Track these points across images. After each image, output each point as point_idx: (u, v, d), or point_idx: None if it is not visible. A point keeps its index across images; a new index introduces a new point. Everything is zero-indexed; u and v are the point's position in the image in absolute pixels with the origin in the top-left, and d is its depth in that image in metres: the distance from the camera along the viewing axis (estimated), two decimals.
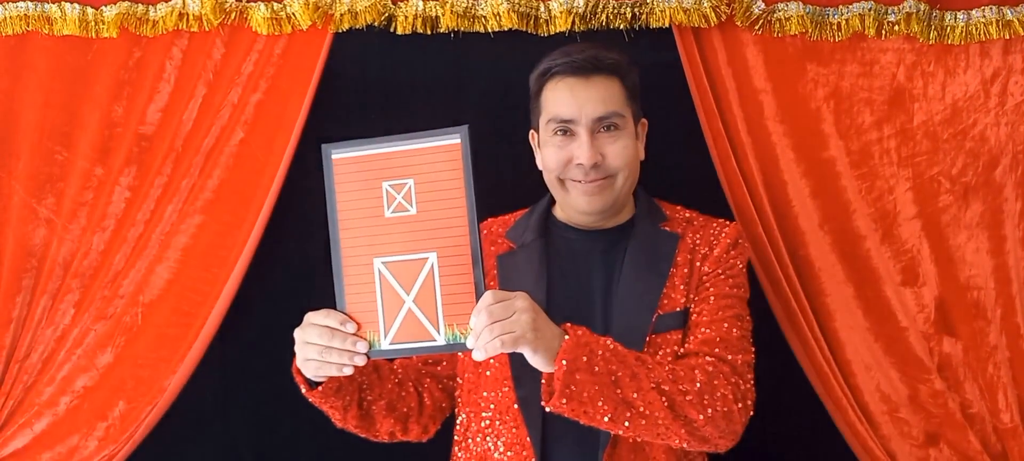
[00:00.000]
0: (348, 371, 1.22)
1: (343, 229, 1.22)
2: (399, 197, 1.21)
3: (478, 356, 1.17)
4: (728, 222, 1.49)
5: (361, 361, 1.21)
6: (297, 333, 1.24)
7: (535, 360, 1.21)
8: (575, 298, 1.41)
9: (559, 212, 1.49)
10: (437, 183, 1.20)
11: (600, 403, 1.22)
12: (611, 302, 1.39)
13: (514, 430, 1.37)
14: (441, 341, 1.19)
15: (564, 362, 1.21)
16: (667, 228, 1.47)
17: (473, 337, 1.17)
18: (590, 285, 1.42)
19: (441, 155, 1.19)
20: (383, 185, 1.21)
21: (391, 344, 1.21)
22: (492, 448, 1.39)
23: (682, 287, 1.41)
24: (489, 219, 1.53)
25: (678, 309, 1.40)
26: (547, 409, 1.24)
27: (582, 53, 1.39)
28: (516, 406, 1.37)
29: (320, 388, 1.29)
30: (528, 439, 1.35)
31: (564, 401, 1.22)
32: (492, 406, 1.40)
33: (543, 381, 1.25)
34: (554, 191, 1.44)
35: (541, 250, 1.43)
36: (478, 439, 1.41)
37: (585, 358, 1.22)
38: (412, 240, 1.20)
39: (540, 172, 1.48)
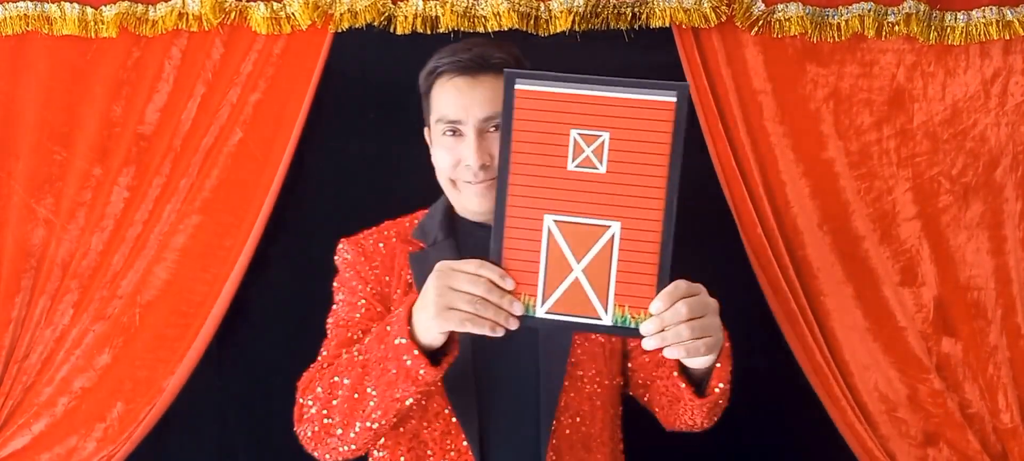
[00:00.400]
0: (499, 332, 1.07)
1: (514, 173, 1.07)
2: (588, 150, 1.06)
3: (649, 345, 1.06)
4: None
5: (514, 324, 1.08)
6: (436, 279, 1.09)
7: (696, 362, 1.13)
8: None
9: (460, 210, 1.45)
10: (637, 143, 1.05)
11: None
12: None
13: (447, 439, 1.32)
14: (607, 321, 1.05)
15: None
16: None
17: (653, 324, 1.05)
18: None
19: (649, 112, 1.05)
20: (571, 133, 1.06)
21: (547, 313, 1.07)
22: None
23: None
24: (387, 222, 1.47)
25: None
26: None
27: (469, 52, 1.33)
28: (448, 411, 1.31)
29: (444, 364, 1.15)
30: (464, 445, 1.31)
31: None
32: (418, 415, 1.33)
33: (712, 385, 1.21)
34: (446, 191, 1.40)
35: (452, 249, 1.39)
36: (398, 452, 1.34)
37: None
38: (594, 203, 1.06)
39: None
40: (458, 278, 1.08)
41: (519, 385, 1.35)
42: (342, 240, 1.44)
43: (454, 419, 1.32)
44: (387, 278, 1.38)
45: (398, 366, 1.13)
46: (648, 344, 1.06)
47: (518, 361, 1.27)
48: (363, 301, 1.36)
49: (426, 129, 1.44)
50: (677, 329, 1.05)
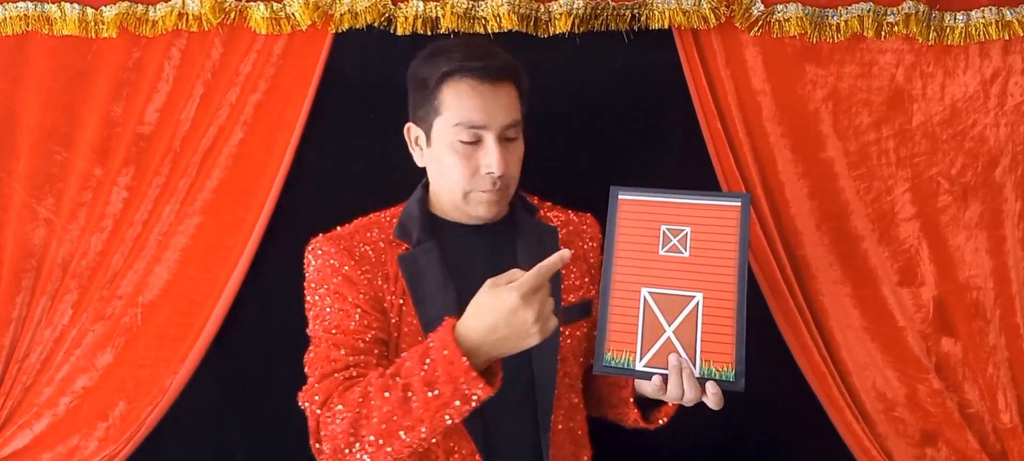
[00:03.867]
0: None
1: (618, 259, 1.31)
2: (674, 239, 1.31)
3: (713, 404, 1.25)
4: (584, 213, 1.53)
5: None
6: (524, 307, 1.14)
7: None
8: None
9: (438, 209, 1.45)
10: (712, 234, 1.30)
11: None
12: None
13: (450, 441, 1.34)
14: (696, 372, 1.25)
15: None
16: (541, 219, 1.49)
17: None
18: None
19: (720, 213, 1.30)
20: (661, 227, 1.31)
21: (644, 366, 1.27)
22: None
23: (585, 278, 1.46)
24: (361, 220, 1.45)
25: (578, 300, 1.43)
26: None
27: (488, 57, 1.34)
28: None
29: (496, 383, 1.20)
30: (469, 447, 1.34)
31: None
32: None
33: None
34: (453, 199, 1.39)
35: (436, 249, 1.39)
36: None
37: None
38: (681, 278, 1.29)
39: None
40: (542, 299, 1.17)
41: (516, 385, 1.36)
42: (320, 240, 1.41)
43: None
44: (380, 282, 1.36)
45: (453, 388, 1.16)
46: (712, 403, 1.24)
47: (512, 361, 1.28)
48: (359, 310, 1.33)
49: (409, 125, 1.43)
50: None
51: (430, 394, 1.17)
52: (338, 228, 1.44)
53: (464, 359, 1.15)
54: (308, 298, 1.38)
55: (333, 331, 1.33)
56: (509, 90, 1.35)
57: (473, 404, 1.18)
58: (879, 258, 1.77)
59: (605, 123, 1.77)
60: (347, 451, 1.23)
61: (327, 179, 1.78)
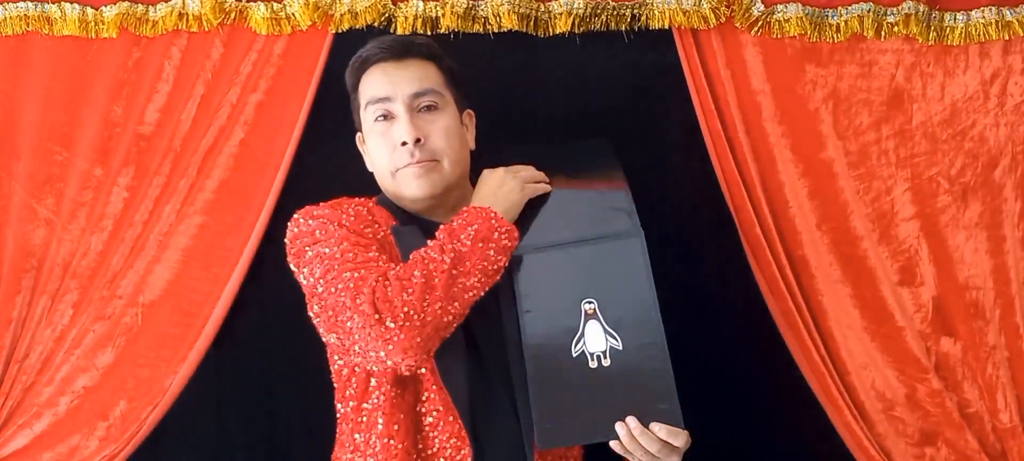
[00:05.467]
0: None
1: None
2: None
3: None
4: None
5: None
6: (514, 177, 1.37)
7: None
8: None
9: (403, 202, 1.44)
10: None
11: None
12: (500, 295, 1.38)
13: (441, 423, 1.34)
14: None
15: None
16: None
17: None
18: None
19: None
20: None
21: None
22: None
23: None
24: (342, 199, 1.43)
25: None
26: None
27: (396, 40, 1.43)
28: (435, 389, 1.33)
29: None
30: (455, 425, 1.32)
31: None
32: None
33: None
34: (386, 187, 1.42)
35: (419, 231, 1.38)
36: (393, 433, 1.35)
37: None
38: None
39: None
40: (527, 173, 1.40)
41: (502, 364, 1.35)
42: (305, 210, 1.38)
43: (446, 397, 1.32)
44: (380, 236, 1.36)
45: (487, 227, 1.30)
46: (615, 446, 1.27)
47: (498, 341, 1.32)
48: (373, 248, 1.31)
49: (359, 135, 1.46)
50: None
51: (476, 238, 1.29)
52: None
53: (489, 208, 1.31)
54: (310, 256, 1.33)
55: (349, 263, 1.28)
56: (421, 64, 1.40)
57: (509, 240, 1.32)
58: (879, 258, 1.77)
59: (605, 123, 1.77)
60: (421, 316, 1.23)
61: (327, 179, 1.78)
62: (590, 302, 1.32)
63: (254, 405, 1.85)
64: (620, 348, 1.30)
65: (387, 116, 1.38)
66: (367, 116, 1.40)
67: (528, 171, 1.41)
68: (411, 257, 1.29)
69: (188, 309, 1.74)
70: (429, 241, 1.31)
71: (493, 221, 1.31)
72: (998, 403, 1.78)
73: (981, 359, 1.78)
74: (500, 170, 1.39)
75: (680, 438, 1.25)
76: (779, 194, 1.75)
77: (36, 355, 1.75)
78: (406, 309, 1.22)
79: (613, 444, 1.27)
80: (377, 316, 1.22)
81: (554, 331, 1.31)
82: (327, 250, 1.31)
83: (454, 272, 1.26)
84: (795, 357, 1.77)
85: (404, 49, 1.40)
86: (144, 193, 1.73)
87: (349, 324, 1.25)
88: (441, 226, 1.33)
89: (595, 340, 1.31)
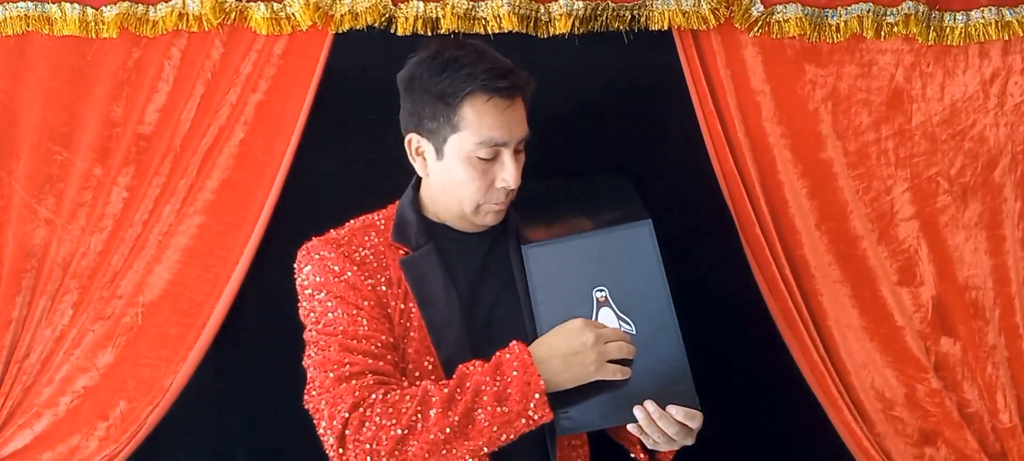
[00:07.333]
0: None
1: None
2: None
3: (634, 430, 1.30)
4: None
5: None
6: (594, 344, 1.27)
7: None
8: (494, 298, 1.40)
9: (431, 213, 1.44)
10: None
11: None
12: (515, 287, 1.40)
13: None
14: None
15: None
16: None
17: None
18: (497, 284, 1.42)
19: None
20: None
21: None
22: None
23: None
24: (355, 224, 1.45)
25: None
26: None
27: (509, 74, 1.33)
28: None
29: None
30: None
31: None
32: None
33: None
34: (462, 210, 1.39)
35: (434, 253, 1.39)
36: None
37: None
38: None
39: None
40: (611, 340, 1.29)
41: None
42: (315, 244, 1.39)
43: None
44: (383, 287, 1.36)
45: (522, 406, 1.23)
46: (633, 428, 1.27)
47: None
48: (366, 316, 1.32)
49: (412, 137, 1.40)
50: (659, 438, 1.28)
51: (500, 409, 1.21)
52: (332, 231, 1.44)
53: (539, 378, 1.22)
54: (305, 303, 1.37)
55: (340, 335, 1.30)
56: (521, 103, 1.38)
57: (532, 425, 1.24)
58: (878, 258, 1.77)
59: (605, 123, 1.77)
60: None
61: (327, 179, 1.78)
62: (601, 290, 1.33)
63: (254, 405, 1.86)
64: (634, 333, 1.31)
65: (493, 157, 1.35)
66: (465, 145, 1.33)
67: (614, 338, 1.30)
68: (416, 391, 1.25)
69: (188, 309, 1.74)
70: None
71: (532, 405, 1.23)
72: (998, 403, 1.78)
73: (981, 359, 1.78)
74: (582, 326, 1.30)
75: (697, 419, 1.27)
76: (778, 194, 1.75)
77: (36, 355, 1.75)
78: (372, 446, 1.21)
79: (630, 427, 1.28)
80: (341, 451, 1.24)
81: (567, 319, 1.31)
82: (318, 305, 1.34)
83: (450, 440, 1.22)
84: (794, 357, 1.77)
85: (513, 86, 1.33)
86: (144, 193, 1.73)
87: (316, 416, 1.28)
88: (472, 367, 1.28)
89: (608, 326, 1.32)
